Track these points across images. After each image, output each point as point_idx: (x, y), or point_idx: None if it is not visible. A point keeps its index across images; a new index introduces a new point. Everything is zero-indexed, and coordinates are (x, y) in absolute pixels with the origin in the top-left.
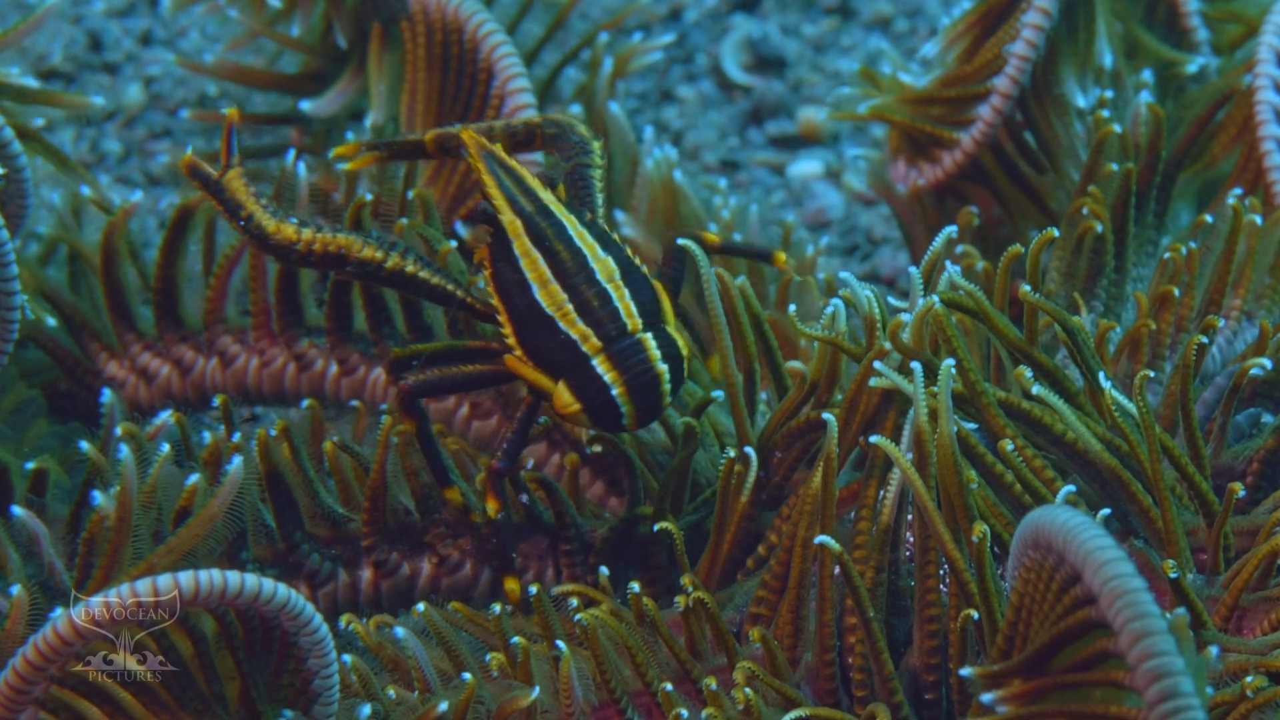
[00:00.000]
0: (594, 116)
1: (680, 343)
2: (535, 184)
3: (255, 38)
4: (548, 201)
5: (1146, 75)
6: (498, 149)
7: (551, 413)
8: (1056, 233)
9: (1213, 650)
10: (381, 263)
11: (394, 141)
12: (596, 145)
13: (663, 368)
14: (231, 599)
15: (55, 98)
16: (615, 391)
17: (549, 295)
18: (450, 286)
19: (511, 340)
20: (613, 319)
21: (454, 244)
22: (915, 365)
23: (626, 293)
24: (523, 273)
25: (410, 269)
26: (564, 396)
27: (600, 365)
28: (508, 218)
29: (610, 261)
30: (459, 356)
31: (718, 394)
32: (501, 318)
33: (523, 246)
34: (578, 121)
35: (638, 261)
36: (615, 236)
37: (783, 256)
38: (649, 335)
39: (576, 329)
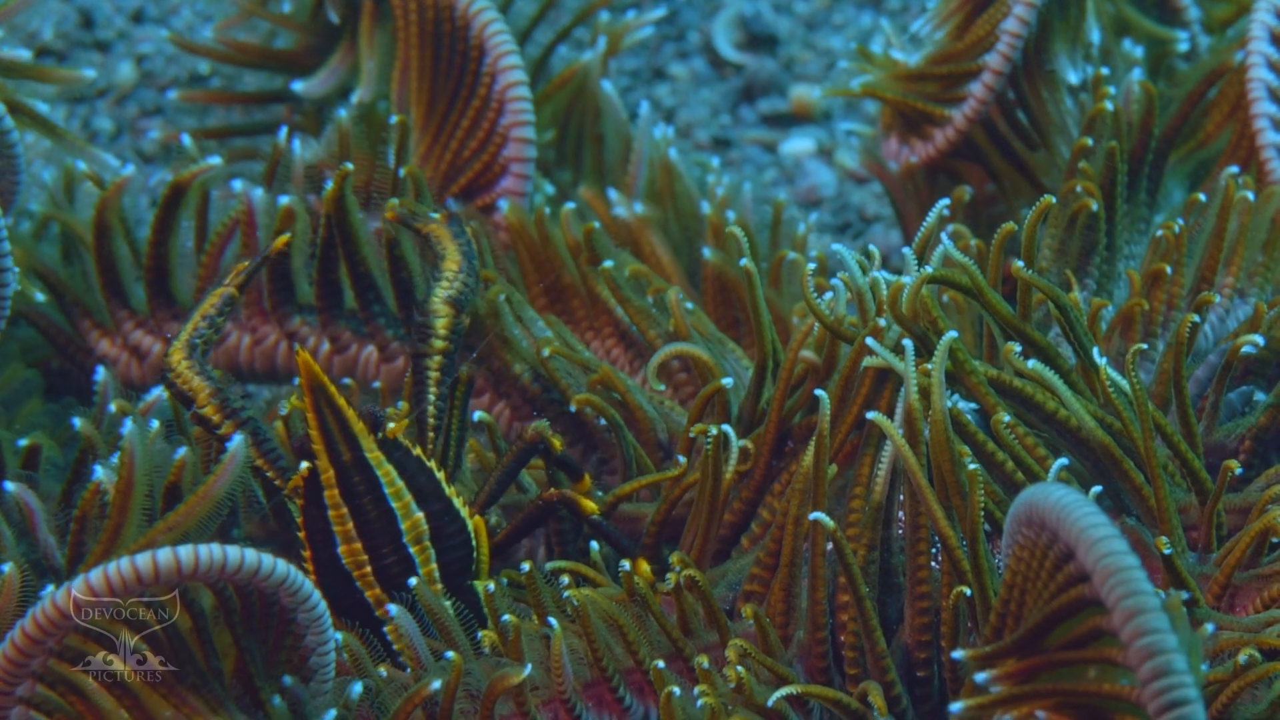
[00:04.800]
0: (587, 95)
1: (483, 598)
2: (359, 430)
3: (248, 16)
4: (366, 451)
5: (1138, 52)
6: (328, 383)
7: None
8: (1054, 200)
9: (1208, 627)
10: (215, 425)
11: None
12: (440, 324)
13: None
14: (231, 574)
15: (47, 73)
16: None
17: (351, 553)
18: (271, 474)
19: (312, 580)
20: (408, 588)
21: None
22: (907, 343)
23: (432, 555)
24: (329, 524)
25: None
26: None
27: (390, 634)
28: (323, 464)
29: (421, 520)
30: None
31: (728, 380)
32: (305, 553)
33: (333, 498)
34: (442, 283)
35: (459, 505)
36: (441, 475)
37: (592, 507)
38: (447, 605)
39: (372, 592)
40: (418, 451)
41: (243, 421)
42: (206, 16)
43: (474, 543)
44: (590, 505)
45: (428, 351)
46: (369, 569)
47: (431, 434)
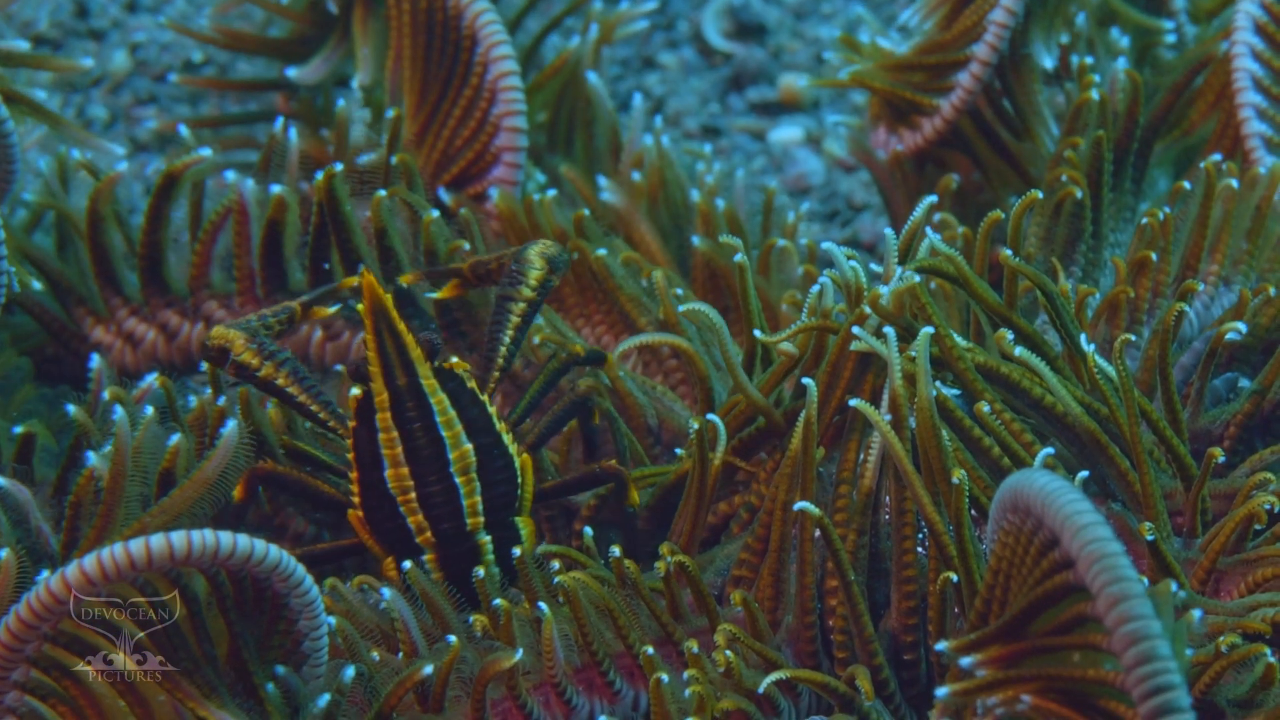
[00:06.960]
0: (578, 84)
1: (525, 534)
2: (416, 356)
3: (242, 3)
4: (422, 378)
5: (1124, 42)
6: (390, 307)
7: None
8: (1040, 195)
9: (1195, 614)
10: (255, 370)
11: (434, 271)
12: (534, 274)
13: (494, 572)
14: (224, 559)
15: (43, 61)
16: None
17: (397, 478)
18: (315, 407)
19: (356, 500)
20: (452, 517)
21: (436, 213)
22: (889, 330)
23: (477, 487)
24: (378, 447)
25: (281, 381)
26: (391, 571)
27: (429, 562)
28: (377, 387)
29: (470, 452)
30: (314, 498)
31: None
32: (352, 474)
33: (384, 421)
34: (538, 244)
35: (508, 441)
36: (494, 409)
37: (635, 499)
38: (487, 538)
39: (415, 518)
40: (472, 384)
41: (281, 362)
42: (200, 5)
43: (519, 480)
44: (635, 497)
45: (514, 296)
46: (413, 495)
47: (497, 373)
